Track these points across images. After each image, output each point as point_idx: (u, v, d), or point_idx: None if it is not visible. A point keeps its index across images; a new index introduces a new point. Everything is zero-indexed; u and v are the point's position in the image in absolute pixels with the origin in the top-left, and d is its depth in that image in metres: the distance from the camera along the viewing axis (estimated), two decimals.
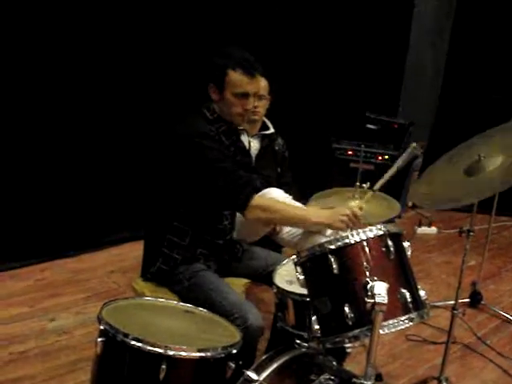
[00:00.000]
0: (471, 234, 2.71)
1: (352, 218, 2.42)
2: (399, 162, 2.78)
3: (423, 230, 5.25)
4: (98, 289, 3.79)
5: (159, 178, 2.61)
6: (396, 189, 4.59)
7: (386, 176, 2.74)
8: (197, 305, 2.17)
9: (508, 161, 2.24)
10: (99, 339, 1.82)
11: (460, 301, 2.77)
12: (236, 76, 2.44)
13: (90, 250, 4.26)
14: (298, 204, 2.99)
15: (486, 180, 2.26)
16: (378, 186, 2.72)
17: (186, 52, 4.35)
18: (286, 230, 3.12)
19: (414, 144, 2.84)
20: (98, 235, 4.33)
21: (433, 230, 5.26)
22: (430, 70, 6.90)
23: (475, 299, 3.87)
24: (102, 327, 1.83)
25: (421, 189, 2.54)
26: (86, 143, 4.10)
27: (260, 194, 3.05)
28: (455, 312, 2.71)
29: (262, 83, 3.28)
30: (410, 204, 5.40)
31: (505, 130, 2.42)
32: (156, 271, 2.55)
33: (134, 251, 4.07)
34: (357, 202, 2.74)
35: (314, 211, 2.57)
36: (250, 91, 2.48)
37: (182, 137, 2.46)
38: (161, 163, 2.59)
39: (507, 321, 3.73)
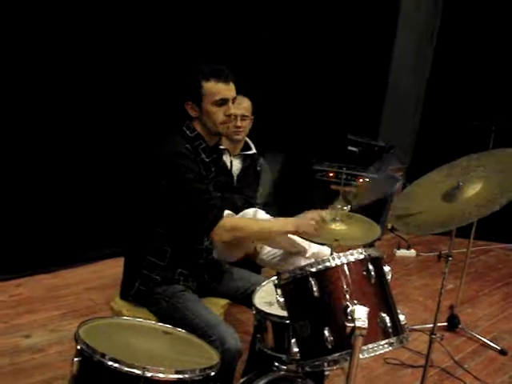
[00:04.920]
0: (450, 258, 2.72)
1: (320, 222, 2.45)
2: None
3: (402, 252, 5.27)
4: (75, 306, 3.75)
5: (138, 197, 2.60)
6: (376, 212, 4.63)
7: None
8: (175, 326, 2.16)
9: (487, 188, 2.24)
10: (75, 359, 1.79)
11: (438, 324, 2.78)
12: (211, 85, 2.45)
13: (69, 266, 4.22)
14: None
15: (464, 207, 2.26)
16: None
17: (168, 71, 4.36)
18: (266, 250, 3.12)
19: None
20: (76, 251, 4.28)
21: (412, 252, 5.28)
22: (410, 94, 6.98)
23: (453, 323, 3.88)
24: (78, 347, 1.80)
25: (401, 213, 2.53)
26: (66, 160, 4.08)
27: (241, 213, 3.07)
28: (433, 336, 2.72)
29: (245, 104, 3.31)
30: (389, 226, 5.43)
31: (486, 156, 2.42)
32: (135, 293, 2.53)
33: (113, 268, 4.04)
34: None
35: (279, 221, 2.61)
36: (228, 96, 2.49)
37: (160, 155, 2.45)
38: (140, 182, 2.58)
39: (484, 345, 3.75)
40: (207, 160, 2.56)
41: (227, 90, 2.48)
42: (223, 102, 2.47)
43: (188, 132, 2.53)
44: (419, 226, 2.36)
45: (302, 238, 2.98)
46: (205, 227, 2.42)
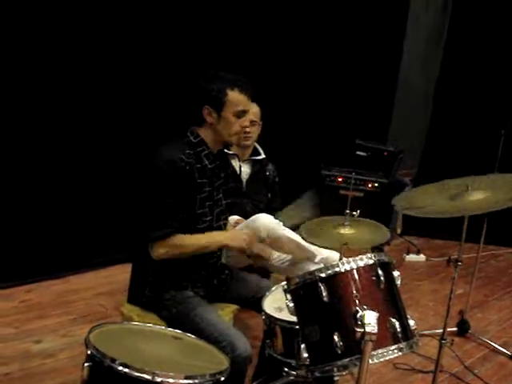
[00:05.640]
0: (459, 263, 2.71)
1: (253, 237, 2.66)
2: None
3: (412, 257, 5.25)
4: (85, 311, 3.75)
5: (140, 203, 2.60)
6: (385, 215, 4.62)
7: None
8: (185, 331, 2.15)
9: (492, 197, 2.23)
10: (86, 364, 1.79)
11: (448, 329, 2.76)
12: (236, 95, 2.45)
13: (78, 272, 4.23)
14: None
15: (469, 203, 2.25)
16: None
17: (175, 77, 4.37)
18: (275, 255, 3.12)
19: None
20: (85, 257, 4.29)
21: (421, 257, 5.26)
22: (420, 98, 6.97)
23: (463, 328, 3.86)
24: (88, 352, 1.80)
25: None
26: (74, 165, 4.09)
27: (250, 219, 3.07)
28: (443, 341, 2.71)
29: (254, 109, 3.31)
30: (398, 231, 5.41)
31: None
32: (145, 299, 2.53)
33: (123, 273, 4.01)
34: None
35: (219, 236, 2.62)
36: (248, 109, 2.53)
37: (153, 161, 2.46)
38: (141, 187, 2.59)
39: (494, 350, 3.73)
40: (210, 166, 2.54)
41: (248, 101, 2.51)
42: (243, 113, 2.50)
43: (191, 138, 2.52)
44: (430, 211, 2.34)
45: (310, 243, 2.99)
46: (148, 237, 2.43)
